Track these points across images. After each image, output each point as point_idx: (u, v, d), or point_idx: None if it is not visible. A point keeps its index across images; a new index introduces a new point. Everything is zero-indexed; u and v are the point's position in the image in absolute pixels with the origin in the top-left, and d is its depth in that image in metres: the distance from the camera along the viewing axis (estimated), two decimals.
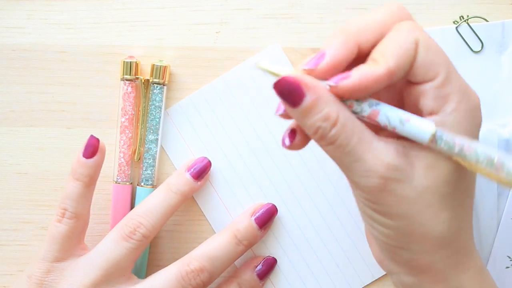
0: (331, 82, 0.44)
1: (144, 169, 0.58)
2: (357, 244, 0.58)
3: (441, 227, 0.45)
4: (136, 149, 0.58)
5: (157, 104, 0.57)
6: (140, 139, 0.58)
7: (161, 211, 0.54)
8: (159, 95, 0.57)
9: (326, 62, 0.44)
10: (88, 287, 0.52)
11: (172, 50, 0.58)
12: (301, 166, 0.58)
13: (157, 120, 0.57)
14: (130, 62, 0.57)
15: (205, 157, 0.57)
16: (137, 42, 0.58)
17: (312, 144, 0.46)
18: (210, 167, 0.57)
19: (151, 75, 0.57)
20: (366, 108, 0.44)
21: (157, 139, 0.58)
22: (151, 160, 0.57)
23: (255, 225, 0.56)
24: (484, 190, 0.57)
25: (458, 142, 0.43)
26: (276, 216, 0.58)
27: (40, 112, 0.58)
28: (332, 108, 0.43)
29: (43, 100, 0.58)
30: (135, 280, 0.54)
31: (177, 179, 0.56)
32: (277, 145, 0.58)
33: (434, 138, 0.43)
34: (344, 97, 0.44)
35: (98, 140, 0.54)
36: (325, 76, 0.44)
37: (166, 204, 0.54)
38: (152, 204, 0.54)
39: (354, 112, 0.44)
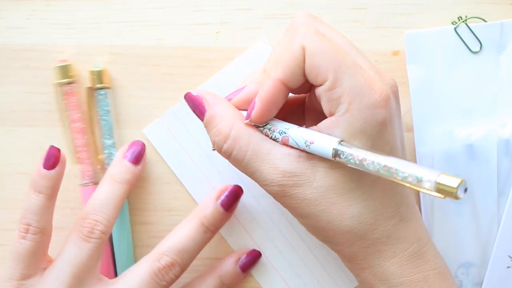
0: (246, 120, 0.48)
1: None
2: None
3: (350, 221, 0.47)
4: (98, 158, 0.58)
5: (105, 108, 0.57)
6: (97, 147, 0.58)
7: (112, 204, 0.54)
8: (105, 99, 0.57)
9: (241, 98, 0.50)
10: None
11: (172, 50, 0.58)
12: None
13: (110, 124, 0.57)
14: (65, 65, 0.57)
15: (139, 140, 0.57)
16: (137, 42, 0.58)
17: None
18: (145, 148, 0.57)
19: (92, 82, 0.57)
20: (278, 136, 0.48)
21: (114, 143, 0.57)
22: None
23: (221, 210, 0.55)
24: (484, 190, 0.57)
25: (357, 155, 0.44)
26: (265, 209, 0.58)
27: (40, 112, 0.58)
28: (225, 124, 0.48)
29: (43, 100, 0.58)
30: (106, 281, 0.54)
31: (118, 168, 0.55)
32: None
33: (336, 155, 0.45)
34: (262, 122, 0.48)
35: (59, 150, 0.53)
36: (243, 106, 0.49)
37: (115, 196, 0.54)
38: (101, 198, 0.54)
39: (273, 139, 0.48)
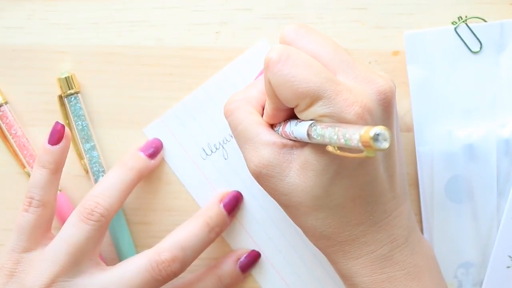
0: None
1: (95, 177, 0.58)
2: None
3: (315, 222, 0.49)
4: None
5: (79, 113, 0.57)
6: (78, 153, 0.58)
7: (117, 188, 0.54)
8: (77, 104, 0.57)
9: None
10: (57, 275, 0.51)
11: (172, 50, 0.58)
12: None
13: (86, 128, 0.57)
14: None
15: (156, 138, 0.58)
16: (137, 42, 0.58)
17: None
18: (163, 146, 0.58)
19: (62, 90, 0.57)
20: (281, 124, 0.49)
21: (94, 145, 0.57)
22: (97, 165, 0.58)
23: (224, 212, 0.56)
24: (484, 190, 0.57)
25: (327, 130, 0.43)
26: (265, 208, 0.58)
27: (40, 112, 0.58)
28: (240, 94, 0.51)
29: (43, 100, 0.58)
30: (103, 266, 0.54)
31: (131, 157, 0.56)
32: None
33: (310, 131, 0.45)
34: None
35: (63, 126, 0.53)
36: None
37: (121, 180, 0.54)
38: (108, 182, 0.54)
39: (277, 132, 0.49)
